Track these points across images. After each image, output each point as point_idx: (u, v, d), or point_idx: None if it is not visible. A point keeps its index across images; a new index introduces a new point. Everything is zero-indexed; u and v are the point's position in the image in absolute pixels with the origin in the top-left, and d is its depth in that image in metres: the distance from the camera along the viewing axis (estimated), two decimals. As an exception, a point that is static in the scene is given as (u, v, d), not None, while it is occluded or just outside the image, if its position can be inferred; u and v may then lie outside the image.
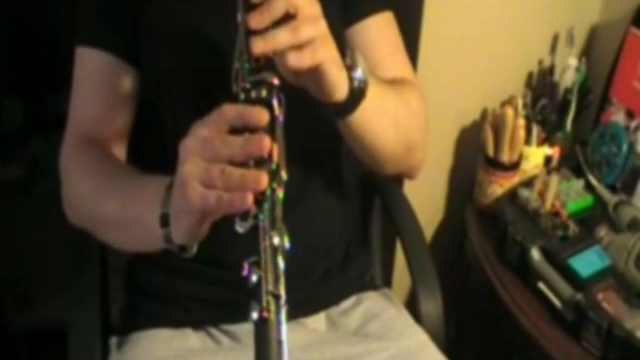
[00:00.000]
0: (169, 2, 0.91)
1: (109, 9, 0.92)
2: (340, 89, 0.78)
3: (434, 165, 1.63)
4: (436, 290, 1.12)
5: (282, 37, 0.69)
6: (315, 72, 0.74)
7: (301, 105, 0.74)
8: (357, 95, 0.81)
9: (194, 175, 0.67)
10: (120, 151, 0.96)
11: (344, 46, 0.83)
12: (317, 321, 1.05)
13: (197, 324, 1.01)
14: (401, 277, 1.56)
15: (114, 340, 1.04)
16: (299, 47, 0.71)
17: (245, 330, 0.97)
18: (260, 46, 0.68)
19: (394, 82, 0.94)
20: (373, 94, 0.82)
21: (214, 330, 1.01)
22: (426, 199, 1.63)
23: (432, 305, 1.11)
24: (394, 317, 1.08)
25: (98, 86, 0.94)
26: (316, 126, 0.94)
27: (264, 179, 0.65)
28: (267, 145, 0.65)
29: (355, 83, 0.80)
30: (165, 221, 0.74)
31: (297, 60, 0.71)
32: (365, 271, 1.17)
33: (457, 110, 1.59)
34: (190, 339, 1.01)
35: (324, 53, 0.73)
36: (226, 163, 0.66)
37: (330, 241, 1.06)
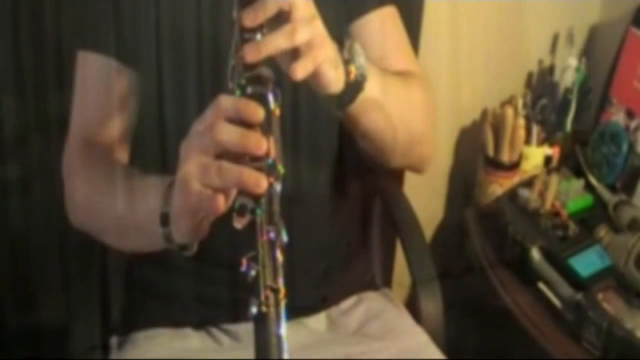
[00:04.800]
0: (164, 3, 0.90)
1: (108, 12, 0.92)
2: (335, 85, 0.77)
3: (434, 165, 1.63)
4: (436, 290, 1.11)
5: (277, 43, 0.69)
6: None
7: (300, 103, 0.74)
8: (354, 88, 0.80)
9: (193, 174, 0.67)
10: (123, 154, 0.96)
11: (342, 38, 0.82)
12: (318, 321, 1.05)
13: (197, 324, 1.01)
14: (401, 277, 1.56)
15: (114, 340, 1.04)
16: (296, 50, 0.70)
17: (245, 329, 0.96)
18: (253, 55, 0.68)
19: (399, 74, 0.93)
20: (373, 84, 0.81)
21: (214, 330, 1.01)
22: (426, 199, 1.63)
23: (432, 305, 1.11)
24: (394, 317, 1.08)
25: (100, 90, 0.94)
26: (316, 124, 0.94)
27: (263, 182, 0.65)
28: (263, 146, 0.65)
29: (352, 77, 0.79)
30: (165, 220, 0.74)
31: (301, 72, 0.70)
32: (365, 271, 1.17)
33: (457, 110, 1.59)
34: (190, 338, 1.01)
35: (321, 54, 0.72)
36: (222, 153, 0.66)
37: (330, 241, 1.05)
